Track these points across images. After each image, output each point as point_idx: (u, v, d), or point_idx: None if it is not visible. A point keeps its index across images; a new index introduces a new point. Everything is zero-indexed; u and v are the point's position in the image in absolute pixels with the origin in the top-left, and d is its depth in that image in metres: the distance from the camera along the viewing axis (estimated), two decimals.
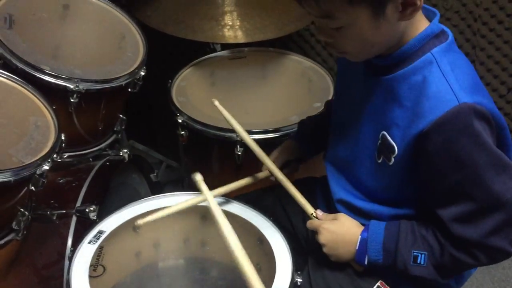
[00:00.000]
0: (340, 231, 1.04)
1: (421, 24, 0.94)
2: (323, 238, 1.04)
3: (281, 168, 1.21)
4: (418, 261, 0.96)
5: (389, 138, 0.96)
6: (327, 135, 1.18)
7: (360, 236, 1.02)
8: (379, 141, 0.99)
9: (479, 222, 0.91)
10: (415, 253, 0.96)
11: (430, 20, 0.96)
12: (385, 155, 0.98)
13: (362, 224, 1.05)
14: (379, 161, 1.00)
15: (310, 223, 1.08)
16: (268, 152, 1.25)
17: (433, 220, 0.96)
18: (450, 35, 0.95)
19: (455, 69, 0.91)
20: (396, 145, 0.95)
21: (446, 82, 0.89)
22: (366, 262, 1.01)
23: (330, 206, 1.16)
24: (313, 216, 1.09)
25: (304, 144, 1.27)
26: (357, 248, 1.01)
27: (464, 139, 0.88)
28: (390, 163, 0.97)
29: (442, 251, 0.95)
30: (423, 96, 0.90)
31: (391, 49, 0.95)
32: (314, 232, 1.07)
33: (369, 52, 0.96)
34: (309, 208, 1.09)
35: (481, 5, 1.91)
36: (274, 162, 1.21)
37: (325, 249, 1.04)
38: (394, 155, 0.96)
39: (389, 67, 0.95)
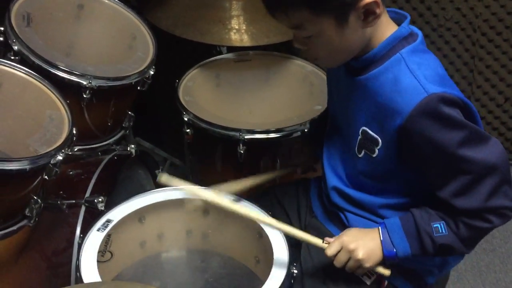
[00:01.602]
0: (359, 230, 1.06)
1: (388, 28, 1.01)
2: (350, 244, 1.02)
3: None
4: (440, 231, 1.00)
5: (371, 132, 1.04)
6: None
7: (379, 227, 1.04)
8: (360, 137, 1.06)
9: (476, 190, 0.97)
10: (434, 225, 1.00)
11: (401, 22, 1.03)
12: (368, 148, 1.05)
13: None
14: (360, 155, 1.07)
15: (329, 249, 1.04)
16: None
17: (435, 204, 1.02)
18: (420, 36, 1.02)
19: (421, 66, 0.98)
20: (379, 137, 1.02)
21: (414, 78, 0.96)
22: (395, 250, 1.02)
23: (323, 201, 1.21)
24: (325, 243, 1.05)
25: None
26: (381, 238, 1.02)
27: (437, 124, 0.95)
28: (374, 155, 1.04)
29: (456, 223, 1.00)
30: (395, 93, 0.98)
31: (362, 52, 1.02)
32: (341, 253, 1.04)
33: (339, 58, 1.04)
34: (318, 240, 1.07)
35: (481, 16, 1.96)
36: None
37: (360, 254, 1.01)
38: (378, 147, 1.03)
39: (363, 68, 1.03)
